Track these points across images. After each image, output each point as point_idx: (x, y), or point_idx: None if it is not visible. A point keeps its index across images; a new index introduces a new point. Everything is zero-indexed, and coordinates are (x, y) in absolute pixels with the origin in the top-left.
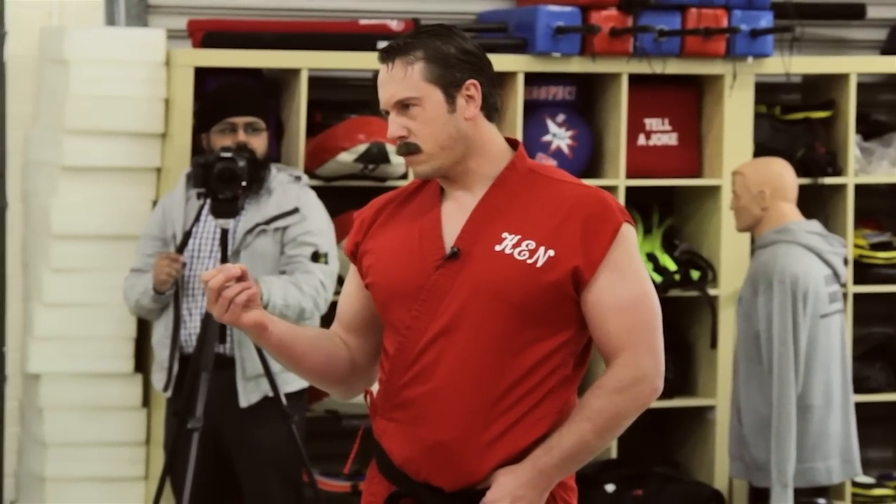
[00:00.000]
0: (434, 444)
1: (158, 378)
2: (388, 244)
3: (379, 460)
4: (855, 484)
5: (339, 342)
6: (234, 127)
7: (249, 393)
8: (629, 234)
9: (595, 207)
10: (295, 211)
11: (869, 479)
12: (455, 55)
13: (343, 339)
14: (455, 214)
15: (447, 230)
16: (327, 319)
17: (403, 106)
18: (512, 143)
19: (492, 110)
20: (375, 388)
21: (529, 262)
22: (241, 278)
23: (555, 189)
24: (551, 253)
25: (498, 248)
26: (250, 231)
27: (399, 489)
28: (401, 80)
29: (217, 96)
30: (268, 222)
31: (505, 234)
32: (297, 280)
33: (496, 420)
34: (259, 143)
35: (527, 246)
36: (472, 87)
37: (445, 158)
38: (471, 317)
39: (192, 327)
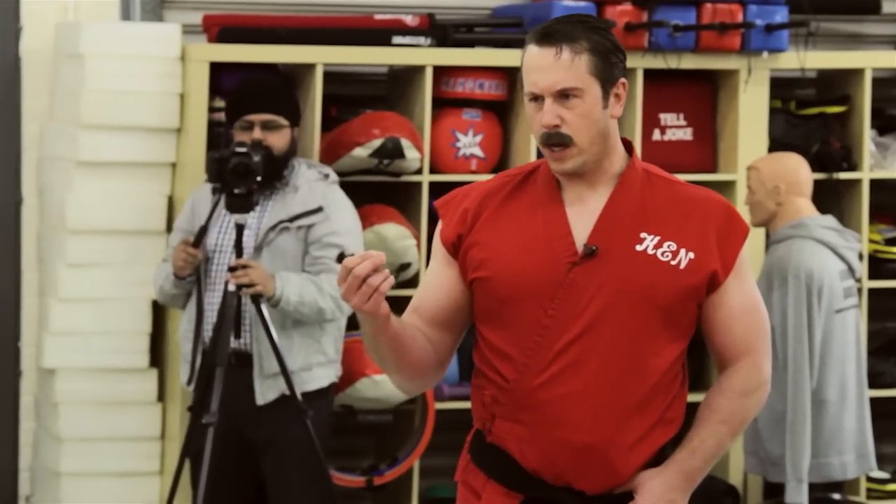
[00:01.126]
0: (582, 447)
1: (183, 371)
2: (505, 238)
3: (493, 467)
4: (870, 479)
5: (423, 335)
6: (251, 124)
7: (266, 391)
8: (748, 241)
9: (726, 212)
10: (319, 210)
11: (884, 475)
12: (613, 51)
13: (424, 332)
14: (580, 211)
15: (576, 227)
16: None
17: (563, 95)
18: (624, 142)
19: (623, 110)
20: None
21: (673, 263)
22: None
23: (677, 191)
24: (692, 255)
25: (639, 248)
26: (273, 228)
27: (530, 495)
28: (568, 68)
29: (238, 93)
30: (291, 220)
31: (644, 235)
32: (318, 279)
33: (637, 422)
34: (277, 140)
35: (668, 247)
36: (622, 87)
37: (591, 154)
38: (614, 318)
39: (211, 322)
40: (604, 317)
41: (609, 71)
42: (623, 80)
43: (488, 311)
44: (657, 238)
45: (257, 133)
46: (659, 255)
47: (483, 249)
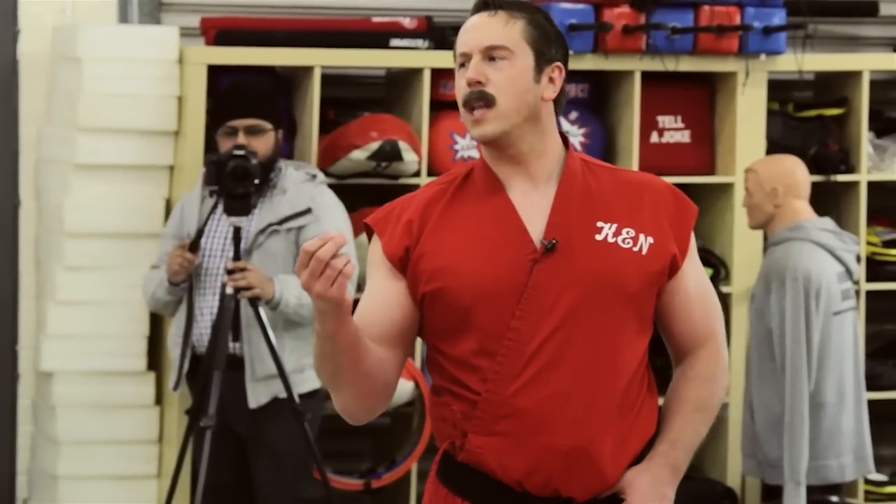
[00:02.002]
0: (569, 451)
1: (171, 376)
2: (457, 244)
3: (469, 487)
4: (867, 481)
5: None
6: (234, 130)
7: (258, 394)
8: None
9: (673, 195)
10: (308, 211)
11: (882, 477)
12: (553, 33)
13: (378, 349)
14: (529, 207)
15: (528, 223)
16: None
17: (491, 57)
18: (561, 136)
19: (561, 102)
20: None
21: (635, 249)
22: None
23: (620, 177)
24: (651, 240)
25: (598, 237)
26: (262, 231)
27: None
28: (500, 28)
29: (220, 99)
30: (280, 222)
31: (601, 224)
32: None
33: (621, 420)
34: (261, 145)
35: (627, 234)
36: (557, 71)
37: (514, 122)
38: (586, 311)
39: (203, 326)
40: (575, 311)
41: (544, 44)
42: (559, 64)
43: (447, 324)
44: (615, 225)
45: (241, 138)
46: (620, 242)
47: (434, 259)
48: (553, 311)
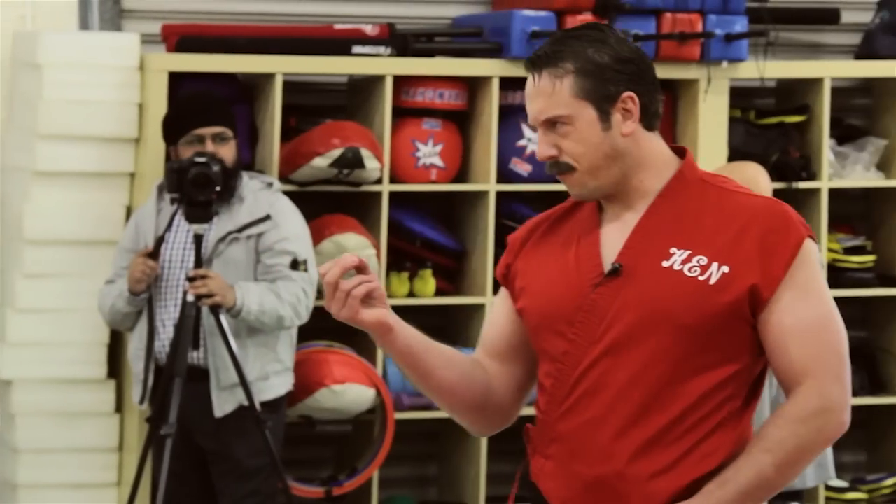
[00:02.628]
0: (593, 481)
1: (136, 391)
2: (541, 266)
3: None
4: (828, 488)
5: (479, 366)
6: (201, 138)
7: (223, 403)
8: (812, 250)
9: (775, 220)
10: (267, 218)
11: (843, 483)
12: (610, 65)
13: (485, 365)
14: (616, 230)
15: (606, 249)
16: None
17: (552, 123)
18: (679, 151)
19: (653, 119)
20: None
21: (701, 279)
22: (360, 270)
23: (729, 200)
24: (725, 269)
25: (665, 264)
26: (222, 239)
27: None
28: (549, 95)
29: (182, 107)
30: (240, 230)
31: (673, 250)
32: (276, 287)
33: (661, 453)
34: (227, 153)
35: (698, 262)
36: (630, 101)
37: (603, 178)
38: (635, 340)
39: (165, 338)
40: (624, 339)
41: (604, 89)
42: (629, 93)
43: (532, 344)
44: (687, 252)
45: (209, 146)
46: (686, 270)
47: (522, 278)
48: (603, 337)
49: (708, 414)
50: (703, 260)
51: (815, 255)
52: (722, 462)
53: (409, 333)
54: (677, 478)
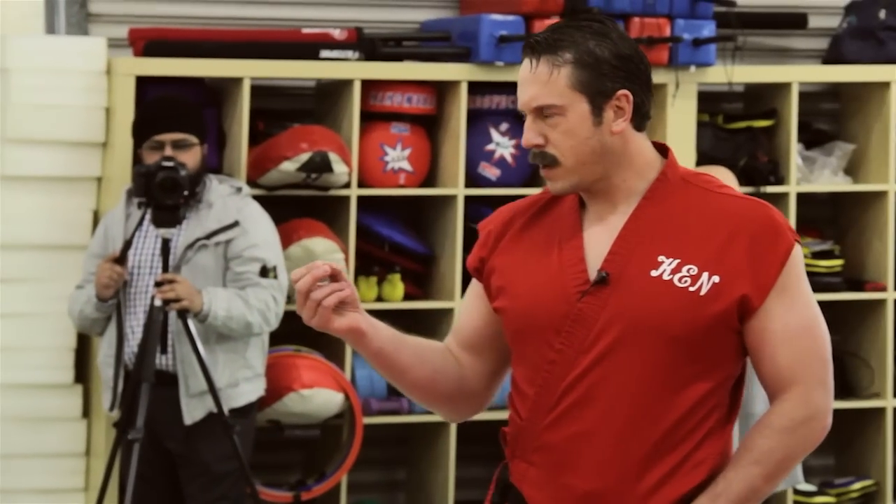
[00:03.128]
0: (585, 495)
1: (105, 397)
2: (521, 265)
3: None
4: (797, 492)
5: (450, 358)
6: (161, 144)
7: (193, 410)
8: (799, 256)
9: (764, 225)
10: (235, 224)
11: (811, 487)
12: (609, 61)
13: (457, 356)
14: (599, 233)
15: (591, 252)
16: (282, 334)
17: (542, 112)
18: (661, 148)
19: (643, 119)
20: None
21: (692, 289)
22: (334, 277)
23: (714, 202)
24: (716, 279)
25: (654, 273)
26: (190, 246)
27: None
28: (545, 82)
29: (144, 113)
30: (208, 237)
31: (662, 258)
32: (244, 293)
33: (654, 466)
34: (189, 159)
35: (688, 271)
36: (624, 99)
37: (586, 174)
38: (625, 351)
39: (134, 344)
40: (614, 350)
41: (600, 84)
42: (624, 91)
43: (510, 342)
44: (676, 261)
45: (168, 152)
46: (676, 280)
47: (500, 277)
48: (592, 348)
49: (698, 424)
50: (694, 269)
51: (801, 259)
52: (711, 471)
53: (382, 336)
54: (670, 490)
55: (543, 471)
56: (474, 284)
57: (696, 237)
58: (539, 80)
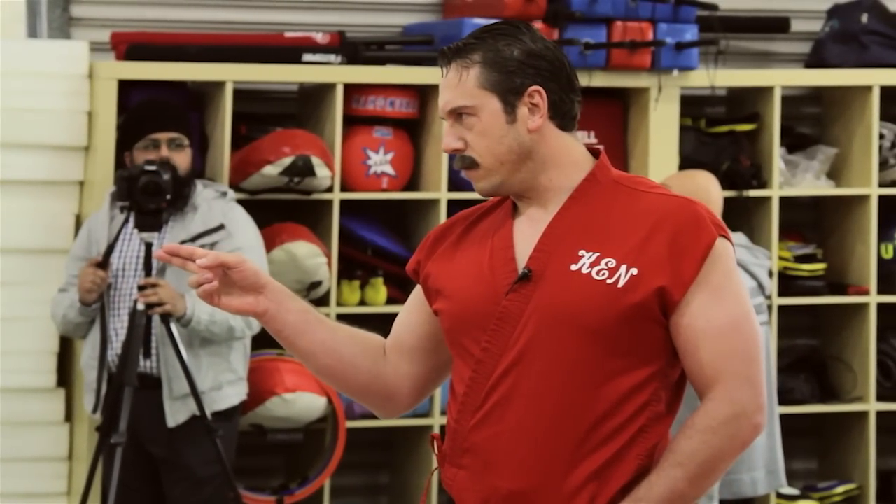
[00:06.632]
0: (509, 495)
1: (88, 400)
2: (457, 268)
3: None
4: (780, 495)
5: (371, 353)
6: (157, 143)
7: (176, 412)
8: (725, 250)
9: (685, 220)
10: (220, 227)
11: (794, 491)
12: (517, 59)
13: (387, 353)
14: (528, 233)
15: (520, 250)
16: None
17: (458, 115)
18: (594, 151)
19: (566, 119)
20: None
21: (609, 282)
22: (229, 266)
23: (640, 201)
24: (634, 271)
25: (574, 267)
26: None
27: None
28: (455, 86)
29: (139, 112)
30: (193, 239)
31: (582, 252)
32: None
33: (579, 464)
34: (182, 159)
35: (606, 264)
36: (536, 95)
37: (507, 174)
38: (544, 346)
39: (118, 347)
40: (533, 346)
41: (509, 81)
42: (536, 87)
43: (448, 345)
44: (595, 255)
45: (164, 151)
46: (594, 273)
47: (435, 280)
48: (515, 345)
49: (626, 420)
50: (612, 262)
51: (729, 254)
52: (641, 470)
53: (286, 319)
54: (598, 489)
55: (472, 473)
56: (416, 290)
57: (618, 232)
58: (450, 85)
